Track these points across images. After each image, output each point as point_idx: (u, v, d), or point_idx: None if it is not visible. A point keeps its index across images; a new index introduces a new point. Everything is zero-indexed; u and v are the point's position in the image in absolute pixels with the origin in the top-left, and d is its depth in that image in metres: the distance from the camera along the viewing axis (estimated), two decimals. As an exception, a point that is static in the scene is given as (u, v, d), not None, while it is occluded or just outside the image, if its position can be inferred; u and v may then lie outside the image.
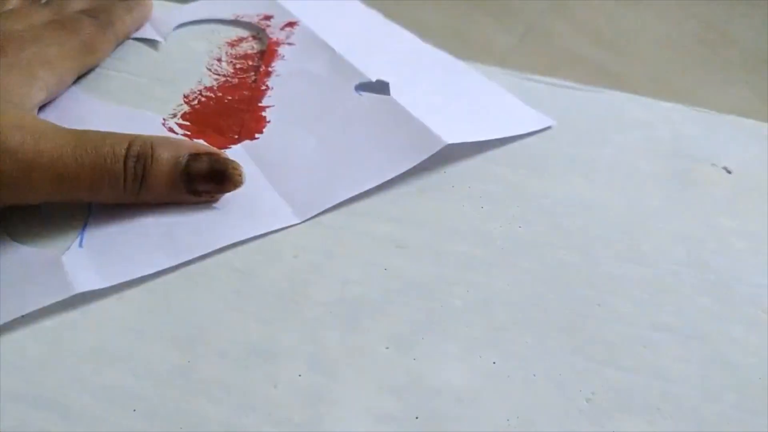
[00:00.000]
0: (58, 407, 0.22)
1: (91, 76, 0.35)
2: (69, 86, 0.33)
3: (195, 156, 0.27)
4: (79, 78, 0.34)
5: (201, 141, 0.31)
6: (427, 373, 0.23)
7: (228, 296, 0.25)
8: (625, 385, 0.23)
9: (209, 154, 0.28)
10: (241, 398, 0.22)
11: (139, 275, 0.25)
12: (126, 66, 0.36)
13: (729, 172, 0.32)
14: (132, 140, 0.27)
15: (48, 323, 0.24)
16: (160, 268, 0.26)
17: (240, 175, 0.28)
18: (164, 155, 0.27)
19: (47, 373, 0.23)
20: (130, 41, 0.37)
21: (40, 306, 0.24)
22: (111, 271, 0.25)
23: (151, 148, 0.27)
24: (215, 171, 0.27)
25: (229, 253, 0.27)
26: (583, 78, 0.38)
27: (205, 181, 0.27)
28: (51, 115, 0.30)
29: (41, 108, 0.30)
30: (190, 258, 0.26)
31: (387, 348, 0.24)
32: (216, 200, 0.28)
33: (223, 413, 0.22)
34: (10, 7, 0.34)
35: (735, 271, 0.27)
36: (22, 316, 0.24)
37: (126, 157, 0.26)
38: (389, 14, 0.41)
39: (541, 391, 0.23)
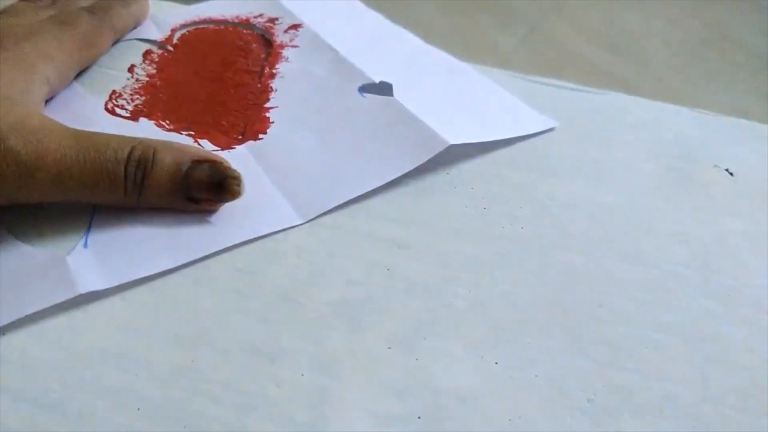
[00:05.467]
0: (62, 407, 0.22)
1: (95, 76, 0.35)
2: (71, 81, 0.33)
3: (196, 164, 0.27)
4: (82, 76, 0.34)
5: (206, 141, 0.31)
6: (430, 374, 0.23)
7: (231, 296, 0.25)
8: (626, 386, 0.23)
9: (210, 163, 0.27)
10: (244, 398, 0.22)
11: (143, 275, 0.26)
12: (129, 66, 0.36)
13: (731, 174, 0.32)
14: (135, 145, 0.27)
15: (52, 323, 0.24)
16: (163, 269, 0.26)
17: (239, 186, 0.27)
18: (165, 161, 0.27)
19: (51, 372, 0.23)
20: (134, 41, 0.37)
21: (44, 306, 0.24)
22: (115, 272, 0.25)
23: (153, 154, 0.27)
24: (214, 180, 0.27)
25: (232, 254, 0.27)
26: (586, 79, 0.38)
27: (203, 190, 0.27)
28: (57, 114, 0.30)
29: (46, 104, 0.30)
30: (194, 258, 0.26)
31: (389, 348, 0.24)
32: (214, 210, 0.28)
33: (225, 413, 0.22)
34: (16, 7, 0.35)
35: (737, 273, 0.27)
36: (26, 316, 0.24)
37: (127, 161, 0.26)
38: (391, 15, 0.41)
39: (543, 391, 0.23)
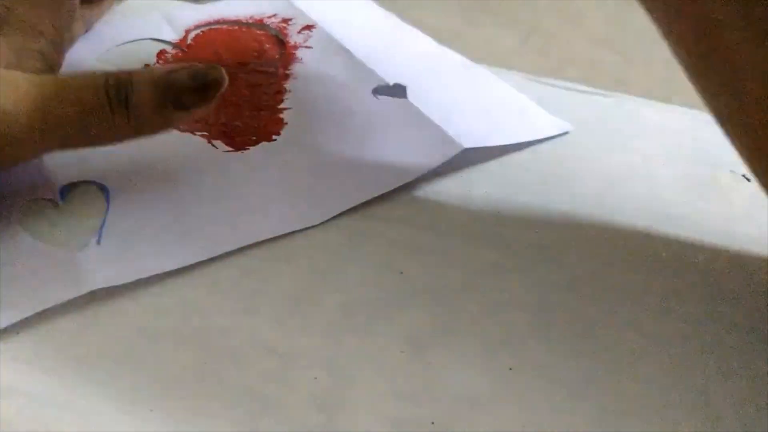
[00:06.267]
0: (73, 407, 0.22)
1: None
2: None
3: (172, 70, 0.27)
4: None
5: (219, 142, 0.31)
6: (442, 378, 0.23)
7: (243, 298, 0.25)
8: (641, 393, 0.23)
9: (185, 66, 0.27)
10: (256, 400, 0.22)
11: (155, 273, 0.25)
12: (143, 65, 0.36)
13: (748, 179, 0.32)
14: (107, 73, 0.27)
15: (60, 322, 0.24)
16: (176, 267, 0.26)
17: (221, 74, 0.27)
18: (143, 78, 0.27)
19: (58, 372, 0.23)
20: (148, 41, 0.37)
21: (57, 303, 0.24)
22: (128, 269, 0.25)
23: (129, 75, 0.26)
24: (197, 81, 0.27)
25: (243, 254, 0.27)
26: (589, 80, 0.38)
27: (189, 93, 0.27)
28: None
29: None
30: (206, 257, 0.26)
31: (402, 352, 0.24)
32: (207, 112, 0.28)
33: (237, 415, 0.22)
34: None
35: (752, 280, 0.27)
36: (35, 314, 0.24)
37: (106, 85, 0.26)
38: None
39: (557, 397, 0.23)
